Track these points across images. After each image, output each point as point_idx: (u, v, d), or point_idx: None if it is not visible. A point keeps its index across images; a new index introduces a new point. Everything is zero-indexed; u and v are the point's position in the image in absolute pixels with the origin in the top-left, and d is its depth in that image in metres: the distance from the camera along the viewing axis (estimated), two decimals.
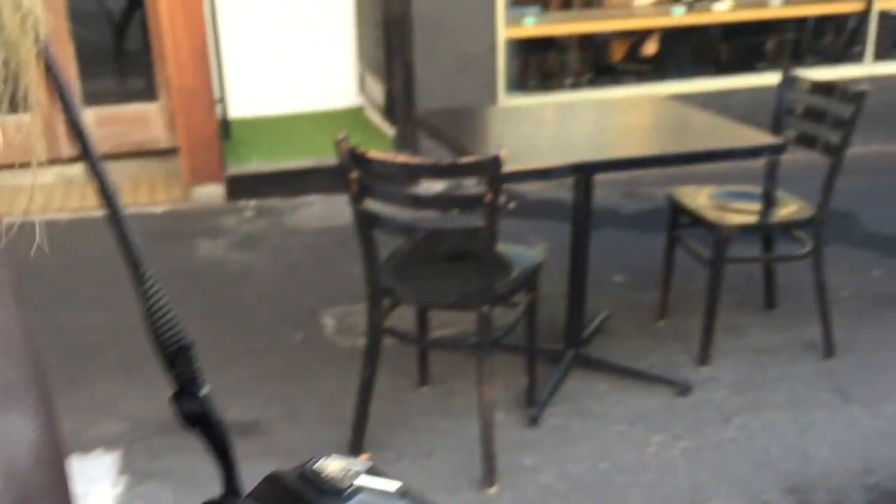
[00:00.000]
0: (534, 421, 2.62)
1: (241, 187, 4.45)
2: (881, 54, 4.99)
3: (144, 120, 4.92)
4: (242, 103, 5.34)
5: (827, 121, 2.79)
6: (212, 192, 4.43)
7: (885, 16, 5.11)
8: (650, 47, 5.20)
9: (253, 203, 4.44)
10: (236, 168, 4.52)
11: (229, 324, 3.26)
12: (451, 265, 2.53)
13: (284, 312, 3.33)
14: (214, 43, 4.63)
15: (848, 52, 5.16)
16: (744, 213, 2.88)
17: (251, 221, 4.24)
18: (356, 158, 2.23)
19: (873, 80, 4.88)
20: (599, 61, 5.33)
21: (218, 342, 3.09)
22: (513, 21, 4.63)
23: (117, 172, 4.76)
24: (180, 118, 4.32)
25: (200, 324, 3.25)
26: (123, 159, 4.76)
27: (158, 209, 4.37)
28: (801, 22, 5.46)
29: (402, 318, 2.81)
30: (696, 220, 2.92)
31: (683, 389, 2.74)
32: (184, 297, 3.48)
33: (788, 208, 2.92)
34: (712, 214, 2.83)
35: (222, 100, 4.79)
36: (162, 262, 3.77)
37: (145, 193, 4.53)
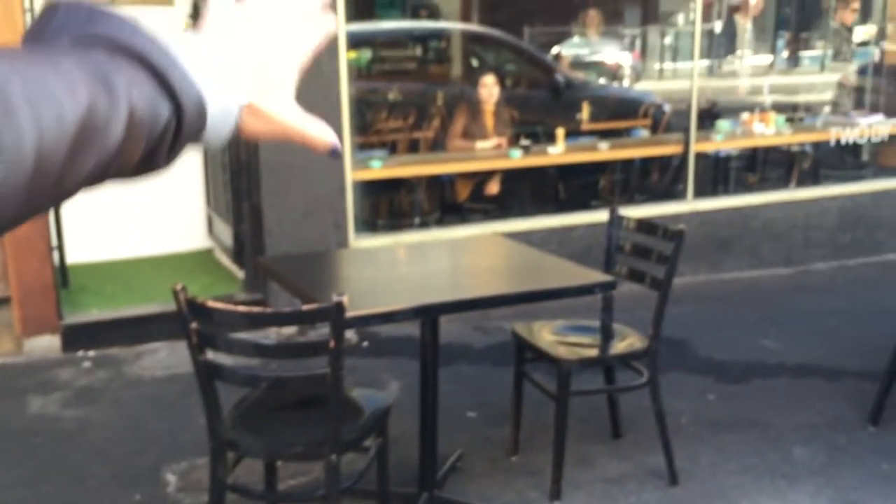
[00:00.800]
0: None
1: (78, 337, 4.23)
2: (700, 192, 5.44)
3: None
4: (83, 249, 5.16)
5: (652, 257, 2.99)
6: (46, 344, 4.19)
7: (701, 156, 5.60)
8: (493, 187, 5.45)
9: (91, 353, 4.22)
10: (74, 317, 4.31)
11: (60, 487, 3.02)
12: (298, 413, 2.48)
13: (122, 471, 3.13)
14: None
15: (672, 190, 5.59)
16: (584, 347, 3.00)
17: (89, 373, 4.01)
18: (195, 309, 2.19)
19: (695, 215, 5.30)
20: (446, 201, 5.53)
21: None
22: (360, 164, 4.76)
23: None
24: (12, 267, 4.12)
25: (28, 489, 3.00)
26: None
27: None
28: (628, 163, 5.90)
29: (252, 468, 2.70)
30: (541, 355, 3.01)
31: None
32: (11, 460, 3.22)
33: (625, 340, 3.07)
34: (554, 350, 2.93)
35: (59, 246, 4.61)
36: None
37: None
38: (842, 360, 4.07)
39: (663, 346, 3.08)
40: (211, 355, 2.27)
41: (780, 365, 4.04)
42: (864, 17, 7.22)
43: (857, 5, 6.85)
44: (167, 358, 4.17)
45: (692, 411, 3.54)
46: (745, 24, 6.54)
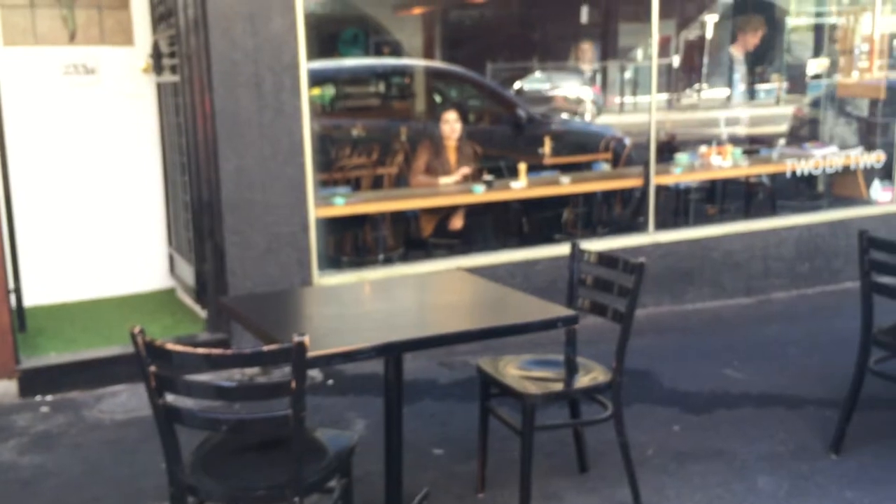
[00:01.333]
0: None
1: (36, 381, 4.15)
2: (661, 224, 5.51)
3: None
4: (41, 291, 5.08)
5: (614, 290, 3.01)
6: (2, 390, 4.10)
7: (661, 189, 5.68)
8: (457, 222, 5.48)
9: (50, 398, 4.14)
10: (31, 361, 4.22)
11: None
12: (260, 455, 2.45)
13: None
14: (9, 230, 4.43)
15: (633, 222, 5.66)
16: (548, 382, 3.00)
17: (47, 418, 3.93)
18: (154, 351, 2.16)
19: (656, 247, 5.36)
20: (410, 236, 5.54)
21: None
22: (323, 201, 4.76)
23: None
24: None
25: None
26: None
27: None
28: (590, 196, 5.97)
29: None
30: (506, 391, 3.00)
31: None
32: None
33: (590, 374, 3.07)
34: (518, 385, 2.93)
35: (17, 289, 4.53)
36: None
37: None
38: (803, 389, 4.11)
39: (627, 378, 3.09)
40: (171, 398, 2.24)
41: (743, 394, 4.08)
42: (817, 50, 7.43)
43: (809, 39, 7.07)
44: (128, 401, 4.10)
45: (658, 443, 3.55)
46: (739, 58, 6.71)
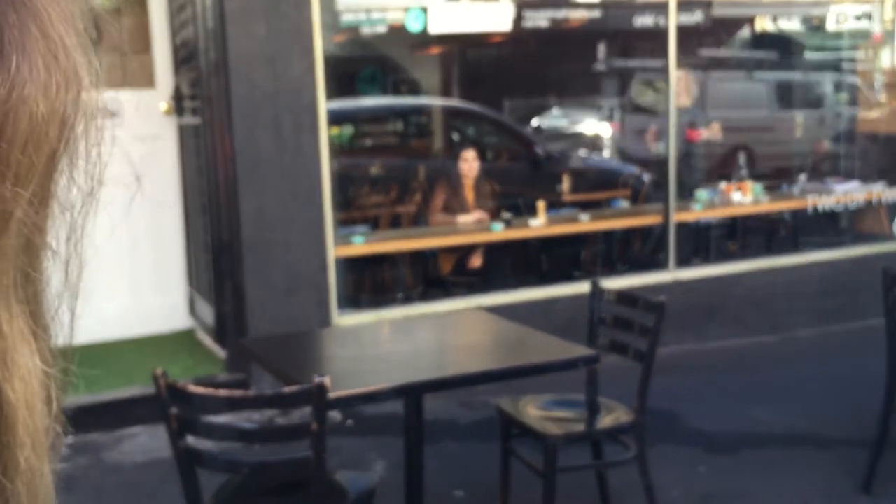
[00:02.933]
0: None
1: None
2: (682, 261, 5.47)
3: None
4: (62, 332, 5.09)
5: (634, 329, 2.98)
6: None
7: (682, 226, 5.65)
8: (476, 261, 5.47)
9: (70, 439, 4.11)
10: None
11: None
12: (281, 498, 2.43)
13: None
14: None
15: (654, 259, 5.62)
16: (570, 422, 2.96)
17: (67, 460, 3.91)
18: (175, 393, 2.15)
19: (678, 284, 5.32)
20: (429, 275, 5.54)
21: None
22: (342, 240, 4.77)
23: None
24: None
25: None
26: None
27: None
28: (609, 234, 5.95)
29: None
30: (527, 431, 2.97)
31: None
32: None
33: (612, 414, 3.03)
34: (540, 425, 2.89)
35: None
36: None
37: None
38: (830, 428, 4.04)
39: (651, 418, 3.05)
40: (191, 440, 2.22)
41: (769, 434, 4.00)
42: (837, 84, 7.41)
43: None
44: (147, 442, 4.08)
45: (682, 485, 3.49)
46: None
